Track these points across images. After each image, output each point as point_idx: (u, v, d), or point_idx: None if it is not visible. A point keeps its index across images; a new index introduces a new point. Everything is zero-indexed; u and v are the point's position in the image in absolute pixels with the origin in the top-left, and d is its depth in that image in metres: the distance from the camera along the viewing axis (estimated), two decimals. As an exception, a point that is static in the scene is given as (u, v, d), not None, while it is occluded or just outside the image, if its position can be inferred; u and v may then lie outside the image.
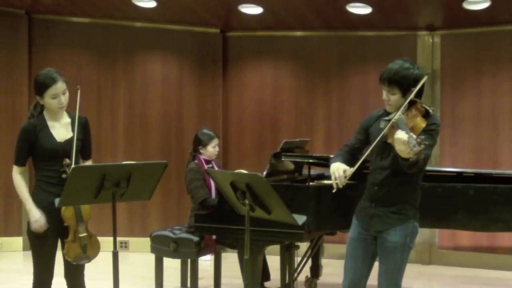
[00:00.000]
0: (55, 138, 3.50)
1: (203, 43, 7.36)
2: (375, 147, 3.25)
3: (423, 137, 2.88)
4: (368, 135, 3.39)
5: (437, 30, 6.84)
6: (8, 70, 6.86)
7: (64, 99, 3.51)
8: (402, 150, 2.92)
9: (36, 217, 3.44)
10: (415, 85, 3.17)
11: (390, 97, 3.22)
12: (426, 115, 3.18)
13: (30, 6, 6.83)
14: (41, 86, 3.47)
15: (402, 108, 3.12)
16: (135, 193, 3.38)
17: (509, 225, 4.20)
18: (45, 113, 3.55)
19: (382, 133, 3.13)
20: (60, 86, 3.48)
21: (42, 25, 7.04)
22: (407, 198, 3.29)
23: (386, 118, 3.24)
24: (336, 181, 3.18)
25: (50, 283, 3.54)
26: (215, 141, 5.01)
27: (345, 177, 3.18)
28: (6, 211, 6.87)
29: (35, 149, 3.49)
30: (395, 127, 3.07)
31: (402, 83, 3.17)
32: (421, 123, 3.10)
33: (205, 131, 5.06)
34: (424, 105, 3.21)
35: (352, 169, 3.19)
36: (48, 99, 3.47)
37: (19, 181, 3.54)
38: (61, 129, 3.55)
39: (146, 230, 6.59)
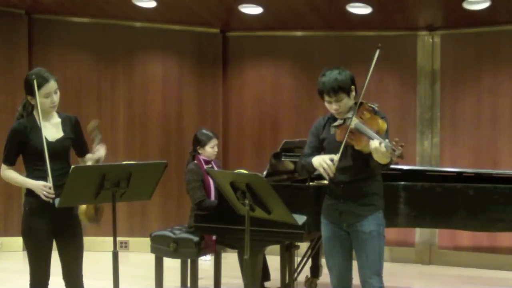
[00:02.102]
0: (46, 138, 3.48)
1: (203, 43, 7.36)
2: (332, 149, 3.35)
3: (397, 139, 3.00)
4: (322, 142, 3.47)
5: (437, 30, 6.84)
6: (8, 70, 6.86)
7: (56, 98, 3.51)
8: (382, 157, 3.04)
9: (37, 183, 3.40)
10: (354, 84, 3.38)
11: (339, 105, 3.34)
12: (375, 113, 3.30)
13: (30, 6, 6.83)
14: (33, 86, 3.45)
15: (354, 111, 3.25)
16: (135, 193, 3.38)
17: (509, 225, 4.20)
18: (35, 113, 3.53)
19: (344, 141, 3.20)
20: (52, 85, 3.47)
21: (42, 25, 7.04)
22: (373, 190, 3.40)
23: (336, 124, 3.36)
24: (327, 172, 3.23)
25: (46, 284, 3.53)
26: (214, 142, 4.99)
27: (334, 164, 3.22)
28: (6, 211, 6.88)
29: (26, 150, 3.47)
30: (355, 132, 3.19)
31: (345, 86, 3.32)
32: (383, 125, 3.21)
33: (204, 131, 5.05)
34: (369, 104, 3.33)
35: (338, 155, 3.23)
36: (40, 99, 3.45)
37: (8, 172, 3.51)
38: (52, 129, 3.54)
39: (146, 230, 6.58)
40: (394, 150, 2.95)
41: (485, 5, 6.09)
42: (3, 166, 3.52)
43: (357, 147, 3.19)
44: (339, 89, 3.30)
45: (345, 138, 3.21)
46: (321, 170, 3.25)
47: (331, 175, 3.24)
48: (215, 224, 4.39)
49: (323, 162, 3.24)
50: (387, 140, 3.00)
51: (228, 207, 3.72)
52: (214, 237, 4.78)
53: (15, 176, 3.51)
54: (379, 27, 6.92)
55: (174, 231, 4.90)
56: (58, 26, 7.07)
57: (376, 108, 3.32)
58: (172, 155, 7.08)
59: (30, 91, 3.49)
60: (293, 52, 7.29)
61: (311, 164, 3.34)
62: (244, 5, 6.53)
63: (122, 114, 7.19)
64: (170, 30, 7.27)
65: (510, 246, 6.48)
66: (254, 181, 3.23)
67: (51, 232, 3.49)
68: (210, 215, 4.46)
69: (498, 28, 6.59)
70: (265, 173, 4.48)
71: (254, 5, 6.54)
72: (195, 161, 4.95)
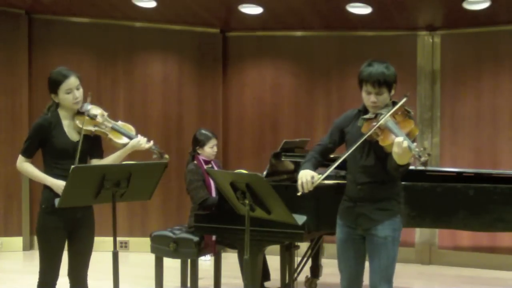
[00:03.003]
0: (68, 137, 3.51)
1: (203, 43, 7.37)
2: (354, 141, 3.27)
3: (426, 146, 2.94)
4: (344, 135, 3.43)
5: (437, 30, 6.84)
6: (8, 70, 6.86)
7: (79, 94, 3.53)
8: (401, 155, 2.96)
9: (59, 183, 3.40)
10: (396, 82, 3.29)
11: (378, 98, 3.25)
12: (409, 117, 3.23)
13: (30, 6, 6.83)
14: (54, 83, 3.50)
15: (392, 111, 3.17)
16: (135, 193, 3.38)
17: (509, 225, 4.20)
18: (59, 111, 3.55)
19: (369, 133, 3.14)
20: (73, 81, 3.51)
21: (42, 25, 7.04)
22: (391, 194, 3.33)
23: (366, 116, 3.28)
24: (303, 186, 3.23)
25: (55, 283, 3.53)
26: (213, 142, 4.99)
27: (312, 183, 3.22)
28: (6, 211, 6.88)
29: (46, 146, 3.49)
30: (383, 129, 3.11)
31: (390, 82, 3.24)
32: (415, 130, 3.14)
33: (203, 131, 5.05)
34: (406, 107, 3.26)
35: (321, 177, 3.23)
36: (62, 95, 3.49)
37: (27, 165, 3.52)
38: (74, 129, 3.55)
39: (146, 230, 6.59)
40: (420, 156, 2.89)
41: (485, 5, 6.09)
42: (21, 157, 3.53)
43: (381, 143, 3.11)
44: (384, 83, 3.22)
45: (370, 131, 3.13)
46: (299, 182, 3.26)
47: (305, 191, 3.24)
48: (215, 224, 4.38)
49: (303, 176, 3.26)
50: (415, 144, 2.95)
51: (228, 207, 3.72)
52: (214, 237, 4.78)
53: (33, 170, 3.52)
54: (379, 27, 6.93)
55: (174, 231, 4.90)
56: (58, 26, 7.07)
57: (411, 113, 3.25)
58: (172, 155, 7.01)
59: (52, 89, 3.51)
60: (293, 52, 7.29)
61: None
62: (244, 5, 6.53)
63: (122, 114, 7.17)
64: (170, 30, 7.27)
65: (510, 246, 6.48)
66: (254, 181, 3.23)
67: (66, 230, 3.50)
68: (210, 215, 4.45)
69: (498, 28, 6.58)
70: (265, 173, 4.48)
71: (254, 5, 6.54)
72: (195, 161, 4.95)
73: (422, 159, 2.89)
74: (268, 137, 7.31)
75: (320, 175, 3.23)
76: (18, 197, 6.83)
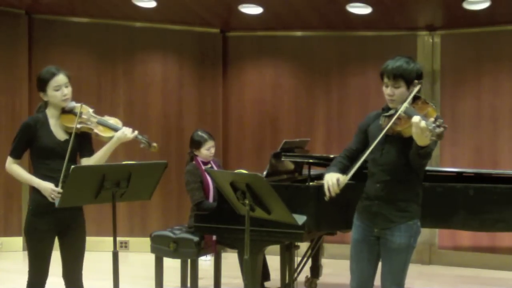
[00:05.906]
0: (55, 136, 3.49)
1: (203, 43, 7.36)
2: (374, 137, 3.25)
3: (441, 120, 2.89)
4: (367, 135, 3.38)
5: (437, 30, 6.84)
6: (8, 70, 6.86)
7: (67, 91, 3.52)
8: (420, 134, 2.92)
9: (46, 185, 3.39)
10: (418, 79, 3.25)
11: (394, 91, 3.23)
12: (426, 103, 3.21)
13: (30, 6, 6.83)
14: (42, 81, 3.49)
15: (408, 99, 3.15)
16: (135, 193, 3.38)
17: (509, 225, 4.20)
18: (48, 110, 3.54)
19: (389, 125, 3.10)
20: (61, 78, 3.50)
21: (42, 25, 7.04)
22: (410, 195, 3.29)
23: (387, 114, 3.25)
24: (329, 189, 3.17)
25: (44, 283, 3.52)
26: (209, 144, 4.94)
27: (338, 185, 3.16)
28: (6, 211, 6.88)
29: (33, 146, 3.48)
30: (403, 118, 3.08)
31: (407, 76, 3.21)
32: (433, 112, 3.08)
33: (200, 133, 5.01)
34: (427, 100, 3.24)
35: (346, 177, 3.18)
36: (51, 92, 3.48)
37: (15, 167, 3.52)
38: (62, 128, 3.54)
39: (146, 230, 6.59)
40: (434, 128, 2.86)
41: (485, 5, 6.09)
42: (10, 159, 3.53)
43: (400, 128, 3.09)
44: (400, 76, 3.20)
45: (389, 123, 3.10)
46: (325, 186, 3.18)
47: (333, 194, 3.17)
48: (215, 224, 4.39)
49: (329, 179, 3.18)
50: (431, 119, 2.92)
51: (228, 207, 3.72)
52: (214, 237, 4.78)
53: (21, 172, 3.51)
54: (379, 27, 6.93)
55: (174, 231, 4.90)
56: (58, 26, 7.07)
57: (433, 107, 3.22)
58: (172, 155, 7.08)
59: (41, 87, 3.51)
60: (293, 52, 7.29)
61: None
62: (244, 5, 6.53)
63: (122, 114, 7.17)
64: (170, 30, 7.27)
65: (510, 246, 6.48)
66: (254, 181, 3.23)
67: (54, 232, 3.49)
68: (210, 215, 4.46)
69: (498, 28, 6.59)
70: (265, 173, 4.48)
71: (254, 5, 6.54)
72: (193, 162, 4.94)
73: (437, 130, 2.85)
74: (268, 137, 7.31)
75: (345, 176, 3.18)
76: (18, 197, 6.82)
